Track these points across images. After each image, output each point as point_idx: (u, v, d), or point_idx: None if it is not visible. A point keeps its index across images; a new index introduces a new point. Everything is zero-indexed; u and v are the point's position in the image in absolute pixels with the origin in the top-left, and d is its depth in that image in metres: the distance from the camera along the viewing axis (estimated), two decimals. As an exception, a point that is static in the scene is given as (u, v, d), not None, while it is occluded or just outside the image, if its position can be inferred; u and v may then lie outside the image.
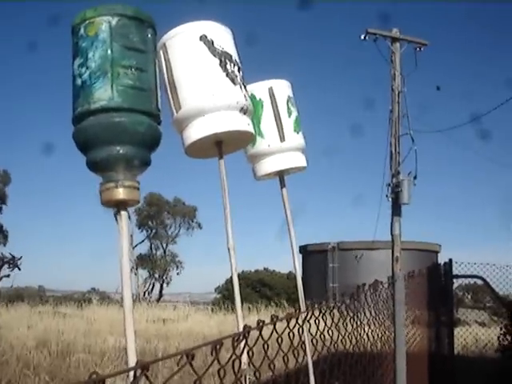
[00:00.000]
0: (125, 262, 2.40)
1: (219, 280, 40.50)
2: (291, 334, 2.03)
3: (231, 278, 3.08)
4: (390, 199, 18.18)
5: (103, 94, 2.36)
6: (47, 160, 71.78)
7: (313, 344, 2.49)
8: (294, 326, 2.05)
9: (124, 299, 2.37)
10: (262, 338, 1.70)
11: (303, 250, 30.67)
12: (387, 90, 19.35)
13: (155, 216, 40.57)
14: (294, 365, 2.14)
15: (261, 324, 1.64)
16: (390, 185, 18.24)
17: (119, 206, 2.46)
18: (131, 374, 1.12)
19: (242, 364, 1.76)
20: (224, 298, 37.11)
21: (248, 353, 1.64)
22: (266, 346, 1.70)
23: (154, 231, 41.30)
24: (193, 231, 42.03)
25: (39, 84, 68.41)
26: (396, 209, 18.19)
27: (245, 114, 3.05)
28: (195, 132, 2.95)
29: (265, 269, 38.83)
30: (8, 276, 17.97)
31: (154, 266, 40.50)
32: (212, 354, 1.31)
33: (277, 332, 1.83)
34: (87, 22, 2.43)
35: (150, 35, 2.56)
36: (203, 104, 2.90)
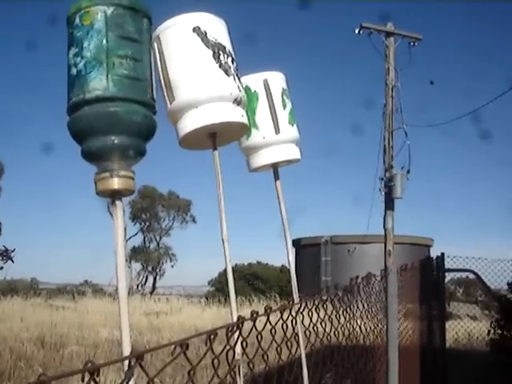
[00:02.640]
0: (119, 252, 2.40)
1: (212, 273, 40.55)
2: (284, 326, 2.04)
3: (225, 270, 3.10)
4: (383, 193, 18.23)
5: (98, 83, 2.36)
6: (41, 152, 71.39)
7: (306, 336, 2.51)
8: (288, 317, 2.06)
9: (119, 289, 2.38)
10: (256, 329, 1.71)
11: (296, 243, 30.71)
12: (382, 85, 19.37)
13: (149, 209, 40.50)
14: (287, 356, 2.15)
15: (254, 315, 1.65)
16: (383, 179, 18.29)
17: (114, 195, 2.46)
18: (126, 363, 1.13)
19: (236, 355, 1.77)
20: (217, 291, 37.12)
21: (242, 344, 1.65)
22: (259, 337, 1.71)
23: (147, 224, 41.24)
24: (187, 225, 42.00)
25: (36, 79, 68.13)
26: (389, 203, 18.23)
27: (238, 105, 3.04)
28: (189, 123, 2.94)
29: (258, 262, 38.85)
30: (1, 268, 17.89)
31: (148, 258, 40.45)
32: (206, 345, 1.32)
33: (270, 323, 1.84)
34: (82, 11, 2.43)
35: (145, 25, 2.56)
36: (196, 95, 2.89)
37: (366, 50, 20.18)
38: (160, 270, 41.53)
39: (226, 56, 2.98)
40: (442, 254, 8.93)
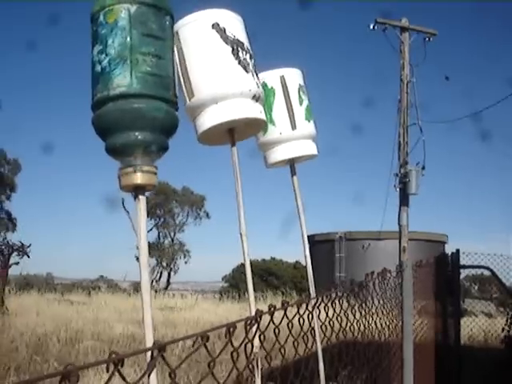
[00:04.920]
0: (143, 245, 2.45)
1: (226, 269, 40.67)
2: (301, 320, 2.05)
3: (242, 264, 3.12)
4: (398, 189, 18.18)
5: (122, 80, 2.39)
6: (55, 150, 71.87)
7: (322, 330, 2.53)
8: (304, 312, 2.08)
9: (142, 282, 2.43)
10: (273, 322, 1.73)
11: (310, 239, 30.53)
12: (397, 81, 19.29)
13: (163, 205, 40.66)
14: (303, 350, 2.17)
15: (272, 309, 1.67)
16: (397, 175, 18.23)
17: (137, 190, 2.49)
18: (148, 354, 1.15)
19: (254, 348, 1.79)
20: (231, 286, 37.22)
21: (260, 337, 1.67)
22: (277, 331, 1.73)
23: (161, 220, 41.41)
24: (201, 220, 42.12)
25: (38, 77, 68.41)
26: (404, 199, 18.18)
27: (257, 101, 3.06)
28: (208, 119, 2.96)
29: (272, 258, 38.90)
30: (17, 263, 18.05)
31: (162, 254, 40.62)
32: (226, 337, 1.34)
33: (287, 317, 1.86)
34: (106, 9, 2.45)
35: (168, 23, 2.59)
36: (216, 91, 2.91)
37: (380, 44, 20.12)
38: (174, 266, 41.73)
39: (244, 52, 2.99)
40: (457, 250, 8.90)
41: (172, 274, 41.84)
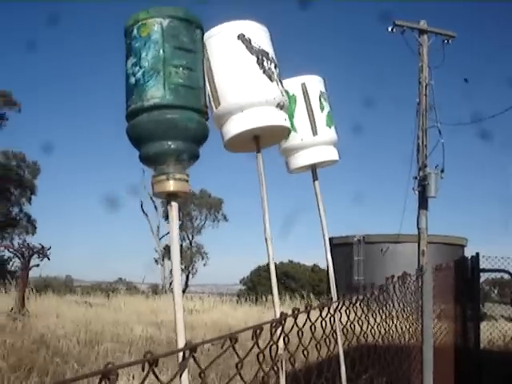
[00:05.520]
0: (175, 249, 2.58)
1: (244, 272, 40.72)
2: (323, 323, 2.09)
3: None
4: (417, 192, 18.11)
5: (156, 92, 2.48)
6: (73, 152, 72.43)
7: (343, 333, 2.55)
8: (326, 315, 2.11)
9: (174, 285, 2.54)
10: (297, 325, 1.77)
11: (329, 242, 30.62)
12: (414, 83, 19.23)
13: (181, 208, 40.82)
14: (325, 353, 2.21)
15: (296, 312, 1.71)
16: (416, 178, 18.16)
17: (170, 197, 2.58)
18: (180, 355, 1.19)
19: (279, 349, 1.83)
20: (249, 289, 37.28)
21: (284, 339, 1.71)
22: (300, 333, 1.77)
23: (179, 223, 41.58)
24: (218, 223, 42.23)
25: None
26: (423, 202, 18.11)
27: (281, 109, 3.14)
28: (234, 127, 3.04)
29: (290, 261, 38.89)
30: (38, 266, 18.22)
31: (180, 257, 40.79)
32: (252, 339, 1.38)
33: (310, 320, 1.90)
34: (140, 23, 2.55)
35: (198, 36, 2.68)
36: (242, 100, 2.99)
37: (398, 47, 20.06)
38: (192, 269, 41.87)
39: (269, 62, 3.07)
40: (477, 253, 8.87)
41: (190, 276, 41.99)
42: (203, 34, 2.76)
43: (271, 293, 3.14)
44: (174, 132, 2.50)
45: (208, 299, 27.06)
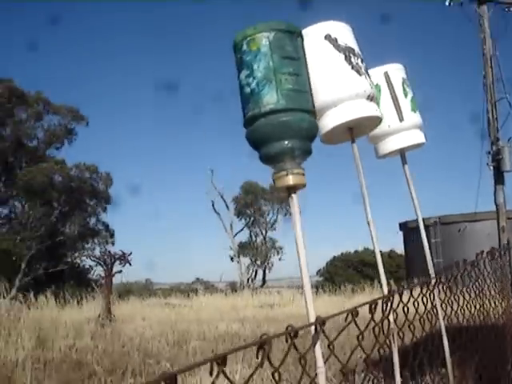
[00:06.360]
0: (298, 235, 2.81)
1: (320, 263, 40.63)
2: (424, 300, 2.15)
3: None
4: (492, 167, 17.65)
5: (271, 98, 2.76)
6: (140, 158, 73.97)
7: (442, 309, 2.60)
8: (426, 291, 2.17)
9: (301, 264, 2.76)
10: (402, 301, 1.84)
11: (404, 226, 30.24)
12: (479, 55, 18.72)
13: (253, 204, 41.11)
14: (428, 328, 2.27)
15: (401, 289, 1.79)
16: (489, 153, 17.69)
17: (290, 190, 2.86)
18: (312, 328, 1.29)
19: (391, 324, 1.91)
20: (326, 280, 37.20)
21: (393, 314, 1.79)
22: (405, 309, 1.84)
23: (252, 219, 41.86)
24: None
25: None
26: (498, 177, 17.60)
27: (371, 100, 3.32)
28: (330, 121, 3.22)
29: (365, 248, 38.53)
30: (120, 272, 18.78)
31: (256, 253, 41.04)
32: (369, 312, 1.46)
33: (413, 296, 1.97)
34: (249, 38, 2.83)
35: (299, 43, 2.95)
36: (335, 96, 3.16)
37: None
38: (268, 264, 42.05)
39: (356, 57, 3.26)
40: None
41: (267, 271, 42.21)
42: (303, 41, 2.99)
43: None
44: (289, 132, 2.78)
45: (286, 293, 27.15)
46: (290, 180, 2.80)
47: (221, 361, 1.06)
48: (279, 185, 2.84)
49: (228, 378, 1.07)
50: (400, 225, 31.67)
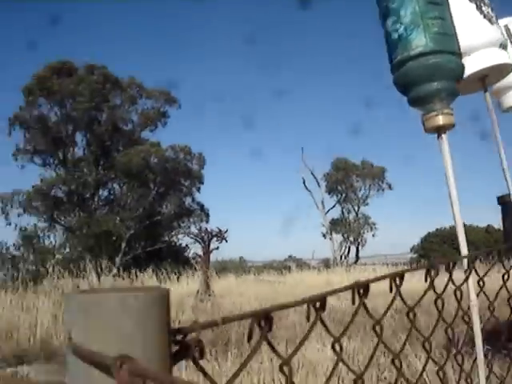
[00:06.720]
0: (450, 175, 2.92)
1: (414, 239, 39.89)
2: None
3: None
4: None
5: (419, 41, 2.87)
6: (230, 139, 74.63)
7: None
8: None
9: (451, 197, 2.94)
10: (477, 273, 1.92)
11: (501, 200, 29.15)
12: None
13: (344, 180, 40.84)
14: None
15: (484, 251, 1.88)
16: None
17: (439, 130, 2.95)
18: (465, 262, 1.45)
19: (470, 293, 2.01)
20: (420, 257, 36.54)
21: (478, 283, 1.90)
22: (481, 283, 1.93)
23: (343, 195, 41.62)
24: (383, 192, 41.73)
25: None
26: None
27: (504, 48, 3.37)
28: (465, 70, 3.24)
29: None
30: (217, 248, 19.24)
31: (348, 229, 40.83)
32: (447, 270, 1.60)
33: (504, 267, 2.04)
34: None
35: None
36: (468, 44, 3.19)
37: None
38: (361, 240, 41.76)
39: (486, 7, 3.33)
40: None
41: (360, 248, 41.94)
42: None
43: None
44: (438, 74, 2.88)
45: (381, 270, 26.93)
46: (440, 120, 2.88)
47: (320, 304, 1.10)
48: (429, 125, 2.91)
49: (325, 326, 1.14)
50: (498, 198, 30.58)
